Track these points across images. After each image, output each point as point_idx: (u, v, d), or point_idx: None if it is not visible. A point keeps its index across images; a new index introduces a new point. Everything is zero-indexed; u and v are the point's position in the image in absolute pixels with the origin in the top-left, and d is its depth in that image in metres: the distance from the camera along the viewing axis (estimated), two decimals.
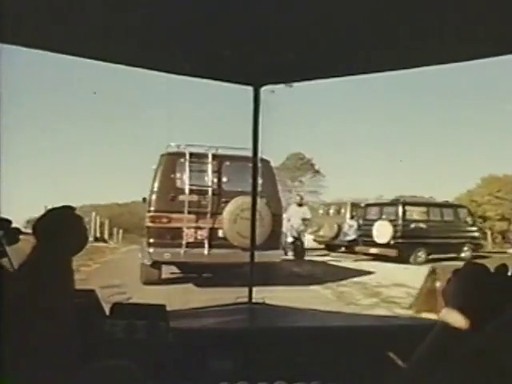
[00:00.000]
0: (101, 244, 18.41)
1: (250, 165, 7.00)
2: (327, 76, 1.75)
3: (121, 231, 24.55)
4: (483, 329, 0.54)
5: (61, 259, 1.06)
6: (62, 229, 1.08)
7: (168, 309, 1.64)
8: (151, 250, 6.98)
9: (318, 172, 39.33)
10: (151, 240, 7.03)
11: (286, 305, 2.37)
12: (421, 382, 0.60)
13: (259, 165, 7.68)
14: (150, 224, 7.08)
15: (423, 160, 40.68)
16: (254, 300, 2.23)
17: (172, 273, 8.22)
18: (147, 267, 7.18)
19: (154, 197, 7.16)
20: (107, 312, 1.60)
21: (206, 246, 7.20)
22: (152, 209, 7.13)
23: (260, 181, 7.52)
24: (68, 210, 1.14)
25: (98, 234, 21.90)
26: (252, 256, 2.34)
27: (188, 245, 7.10)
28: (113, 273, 6.62)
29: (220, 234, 7.26)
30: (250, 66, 1.65)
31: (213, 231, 7.25)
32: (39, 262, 1.03)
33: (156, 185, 7.21)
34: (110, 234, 23.74)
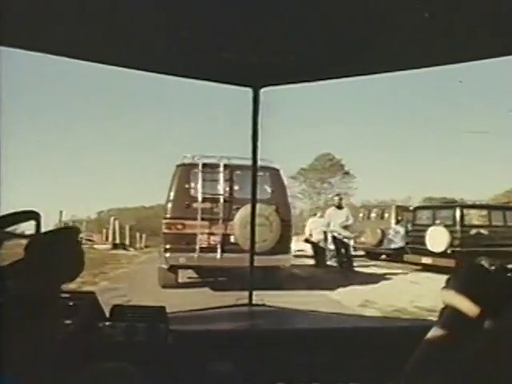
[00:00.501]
0: (119, 252, 17.78)
1: (261, 173, 7.42)
2: (327, 77, 1.74)
3: (144, 236, 23.77)
4: (482, 329, 0.55)
5: (48, 287, 1.00)
6: (54, 255, 1.00)
7: (168, 311, 1.66)
8: (167, 254, 7.50)
9: (347, 173, 38.26)
10: (167, 245, 7.55)
11: (286, 306, 2.38)
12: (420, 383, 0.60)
13: (268, 174, 8.14)
14: (166, 230, 7.60)
15: (453, 160, 39.82)
16: (253, 302, 2.23)
17: (189, 277, 8.74)
18: (165, 271, 7.69)
19: (169, 205, 7.69)
20: (107, 314, 1.62)
21: (219, 250, 7.65)
22: (168, 216, 7.65)
23: (270, 189, 7.97)
24: (65, 233, 1.07)
25: (118, 241, 21.08)
26: (252, 257, 2.41)
27: (202, 250, 7.57)
28: (122, 294, 5.89)
29: (232, 239, 7.69)
30: (250, 67, 1.62)
31: (225, 236, 7.69)
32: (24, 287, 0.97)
33: (172, 193, 7.74)
34: (132, 240, 22.72)
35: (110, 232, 21.08)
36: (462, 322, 0.63)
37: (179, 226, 7.58)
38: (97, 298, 1.62)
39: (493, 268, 0.69)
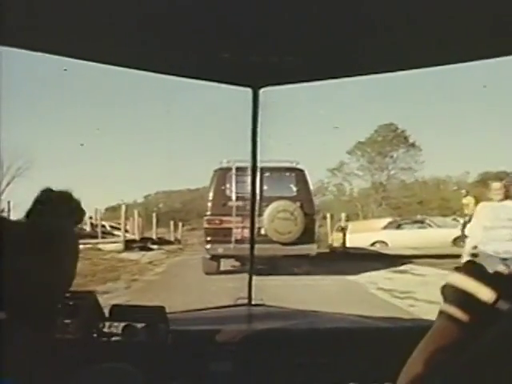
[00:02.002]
0: (133, 257, 12.95)
1: (287, 174, 9.08)
2: (328, 77, 1.73)
3: (181, 225, 21.08)
4: (482, 331, 0.54)
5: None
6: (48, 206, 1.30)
7: (167, 310, 1.66)
8: (208, 246, 8.99)
9: (413, 145, 33.16)
10: (208, 238, 9.03)
11: (286, 306, 2.41)
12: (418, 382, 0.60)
13: (293, 174, 9.37)
14: (206, 225, 9.08)
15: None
16: (253, 301, 2.25)
17: (232, 266, 10.07)
18: (207, 260, 9.22)
19: (209, 204, 9.15)
20: (106, 314, 1.62)
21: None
22: (208, 213, 9.12)
23: (295, 188, 9.13)
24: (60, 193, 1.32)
25: (137, 236, 16.93)
26: (252, 256, 2.49)
27: (236, 241, 8.94)
28: None
29: (262, 231, 8.99)
30: (249, 67, 1.62)
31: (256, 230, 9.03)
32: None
33: (211, 194, 9.18)
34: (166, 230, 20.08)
35: (131, 227, 17.62)
36: (460, 323, 0.61)
37: (217, 222, 9.02)
38: (96, 298, 1.63)
39: (492, 269, 0.66)
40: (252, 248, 2.48)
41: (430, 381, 0.54)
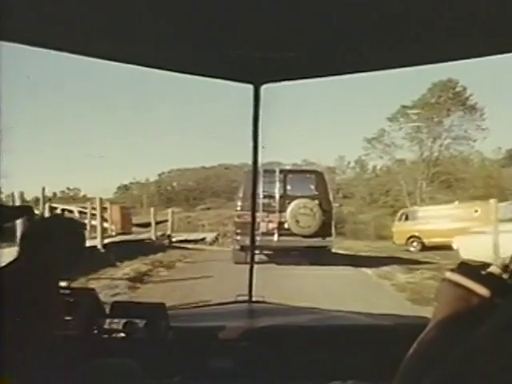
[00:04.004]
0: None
1: (307, 175, 10.90)
2: (328, 74, 1.72)
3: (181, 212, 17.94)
4: (477, 329, 0.54)
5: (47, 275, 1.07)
6: (49, 241, 1.16)
7: (168, 307, 1.70)
8: (238, 237, 10.42)
9: (473, 108, 26.73)
10: (238, 231, 10.46)
11: (286, 303, 2.45)
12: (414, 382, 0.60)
13: (313, 176, 10.83)
14: (237, 220, 10.51)
15: None
16: (254, 298, 2.26)
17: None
18: (237, 251, 10.62)
19: (239, 202, 10.58)
20: (107, 310, 1.65)
21: (276, 234, 10.38)
22: (238, 209, 10.55)
23: (315, 187, 10.48)
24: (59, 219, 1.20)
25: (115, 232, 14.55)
26: (252, 257, 2.50)
27: (263, 234, 10.29)
28: None
29: (285, 225, 10.35)
30: (251, 64, 1.59)
31: (280, 224, 10.37)
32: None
33: (241, 193, 10.61)
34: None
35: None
36: (456, 321, 0.63)
37: (246, 216, 10.42)
38: (97, 295, 1.63)
39: (487, 268, 0.67)
40: (253, 242, 2.50)
41: (426, 378, 0.54)
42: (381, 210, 22.70)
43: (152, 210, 15.49)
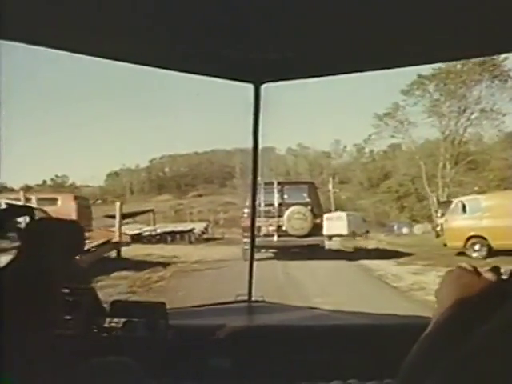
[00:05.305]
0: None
1: (301, 186, 14.23)
2: (328, 73, 1.72)
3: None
4: (474, 332, 0.55)
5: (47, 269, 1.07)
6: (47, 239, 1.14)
7: (168, 307, 1.71)
8: (245, 239, 12.73)
9: (505, 76, 21.33)
10: (245, 233, 12.75)
11: (285, 303, 2.55)
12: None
13: (306, 186, 13.49)
14: (243, 224, 12.82)
15: None
16: (253, 298, 2.30)
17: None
18: (246, 250, 12.88)
19: (246, 209, 12.87)
20: (107, 309, 1.65)
21: (275, 235, 12.70)
22: (245, 216, 12.85)
23: (307, 196, 12.80)
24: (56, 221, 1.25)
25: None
26: (251, 256, 2.56)
27: (265, 235, 12.59)
28: None
29: (283, 228, 12.66)
30: (251, 63, 1.59)
31: (279, 227, 12.71)
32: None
33: (248, 201, 12.90)
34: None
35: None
36: (456, 322, 0.64)
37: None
38: (97, 294, 1.66)
39: (485, 270, 0.68)
40: (253, 240, 2.53)
41: (428, 378, 0.54)
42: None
43: (118, 204, 13.08)
